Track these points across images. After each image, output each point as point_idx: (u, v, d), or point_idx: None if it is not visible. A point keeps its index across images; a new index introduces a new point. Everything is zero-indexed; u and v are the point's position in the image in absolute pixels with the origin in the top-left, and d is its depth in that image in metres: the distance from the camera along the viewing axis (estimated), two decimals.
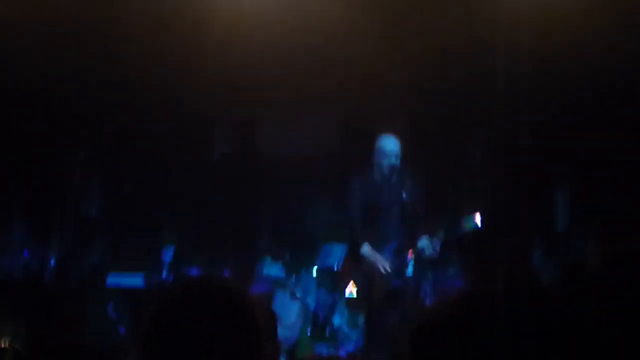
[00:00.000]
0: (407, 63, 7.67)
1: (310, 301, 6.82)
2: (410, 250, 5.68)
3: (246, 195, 8.34)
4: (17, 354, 5.71)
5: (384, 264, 5.69)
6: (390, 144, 6.02)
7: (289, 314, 6.67)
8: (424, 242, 5.77)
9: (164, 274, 7.34)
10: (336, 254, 7.34)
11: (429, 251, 5.77)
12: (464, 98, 7.88)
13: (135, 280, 7.34)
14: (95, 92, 7.74)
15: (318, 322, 6.97)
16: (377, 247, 5.83)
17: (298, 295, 6.74)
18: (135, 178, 8.22)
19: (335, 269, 6.65)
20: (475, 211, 5.67)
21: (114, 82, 7.68)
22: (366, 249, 5.79)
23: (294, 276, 7.04)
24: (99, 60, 7.53)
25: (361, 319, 6.34)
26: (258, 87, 7.79)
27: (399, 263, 5.69)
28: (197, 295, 1.71)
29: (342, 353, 7.20)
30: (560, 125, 7.87)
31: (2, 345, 5.89)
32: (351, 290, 5.80)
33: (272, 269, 7.23)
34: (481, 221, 5.65)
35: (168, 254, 7.38)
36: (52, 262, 7.13)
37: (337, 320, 7.23)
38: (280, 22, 7.17)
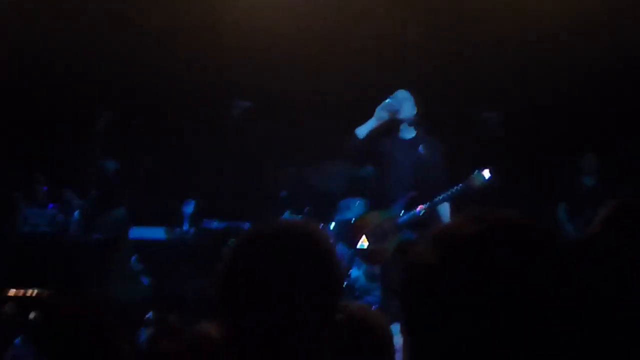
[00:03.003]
0: (421, 24, 7.64)
1: None
2: (421, 205, 5.69)
3: (266, 151, 8.41)
4: (43, 302, 5.84)
5: None
6: (399, 92, 6.01)
7: None
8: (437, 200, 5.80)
9: (185, 226, 7.45)
10: (354, 207, 7.40)
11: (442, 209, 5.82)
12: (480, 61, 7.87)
13: (157, 232, 7.48)
14: (122, 61, 7.85)
15: None
16: (390, 198, 5.86)
17: None
18: (158, 134, 8.32)
19: (352, 222, 6.68)
20: (485, 167, 5.63)
21: (135, 45, 7.77)
22: None
23: None
24: (120, 23, 7.62)
25: (377, 271, 6.41)
26: (275, 45, 7.82)
27: (410, 215, 5.72)
28: (276, 239, 1.69)
29: None
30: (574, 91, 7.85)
31: (30, 294, 6.01)
32: (363, 242, 5.83)
33: None
34: (491, 177, 5.59)
35: (189, 207, 7.47)
36: (76, 215, 7.25)
37: (354, 272, 7.32)
38: None
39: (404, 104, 5.94)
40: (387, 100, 5.88)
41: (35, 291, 5.83)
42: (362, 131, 5.90)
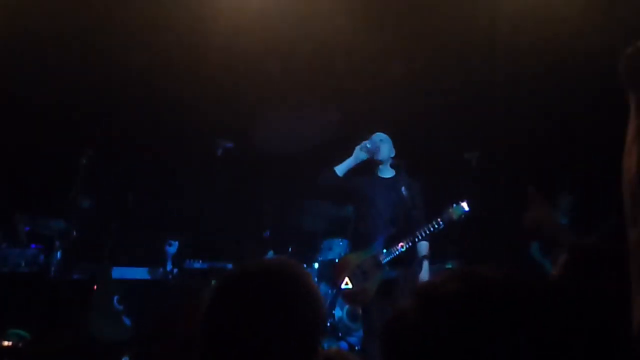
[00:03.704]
0: (406, 60, 7.72)
1: None
2: (402, 242, 5.71)
3: (249, 191, 8.42)
4: (21, 352, 5.76)
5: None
6: (377, 134, 6.10)
7: None
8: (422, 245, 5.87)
9: (169, 266, 7.43)
10: (337, 247, 7.41)
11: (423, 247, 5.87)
12: (463, 95, 7.94)
13: (140, 273, 7.45)
14: (101, 92, 7.86)
15: None
16: (370, 237, 5.89)
17: None
18: (140, 173, 8.32)
19: (336, 262, 6.69)
20: (463, 199, 5.67)
21: (118, 82, 7.79)
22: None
23: None
24: (103, 60, 7.64)
25: (359, 311, 6.39)
26: (258, 85, 7.87)
27: (391, 254, 5.74)
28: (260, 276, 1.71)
29: (343, 345, 7.28)
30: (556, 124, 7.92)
31: (6, 344, 5.93)
32: (346, 282, 5.83)
33: None
34: (470, 209, 5.63)
35: (173, 248, 7.46)
36: (58, 255, 7.21)
37: (337, 312, 7.30)
38: (281, 19, 7.24)
39: (381, 146, 6.04)
40: (365, 142, 5.99)
41: (10, 342, 5.75)
42: (341, 169, 6.00)
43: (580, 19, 6.96)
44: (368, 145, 5.97)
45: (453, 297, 1.23)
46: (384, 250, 5.76)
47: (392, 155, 6.11)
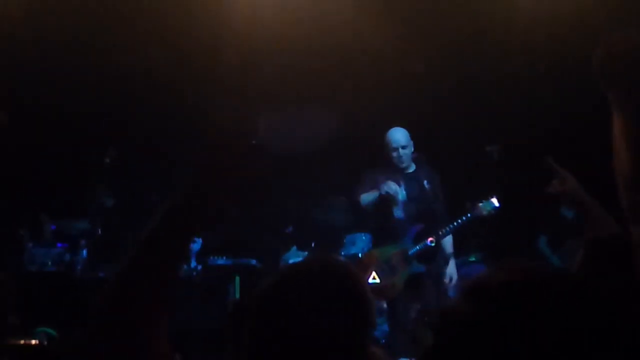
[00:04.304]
0: (422, 55, 7.69)
1: None
2: (431, 237, 5.72)
3: (272, 186, 8.43)
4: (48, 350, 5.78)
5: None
6: (396, 135, 6.05)
7: None
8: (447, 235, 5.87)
9: (193, 263, 7.46)
10: (360, 242, 7.41)
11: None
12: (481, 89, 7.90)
13: None
14: (119, 94, 7.90)
15: None
16: (395, 232, 5.89)
17: None
18: (162, 171, 8.36)
19: (360, 257, 6.70)
20: (493, 195, 5.66)
21: (136, 83, 7.82)
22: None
23: None
24: (121, 61, 7.67)
25: (384, 305, 6.40)
26: (276, 83, 7.87)
27: (420, 248, 5.75)
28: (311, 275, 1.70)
29: None
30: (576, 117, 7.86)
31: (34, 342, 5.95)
32: (374, 276, 5.85)
33: (298, 258, 7.32)
34: (500, 204, 5.62)
35: (196, 245, 7.48)
36: (84, 254, 7.27)
37: None
38: (291, 15, 7.25)
39: (403, 153, 5.97)
40: (389, 185, 5.88)
41: (34, 341, 5.76)
42: (365, 200, 5.98)
43: (604, 10, 6.90)
44: (390, 191, 5.86)
45: (502, 289, 1.24)
46: (413, 245, 5.76)
47: (412, 151, 6.07)
